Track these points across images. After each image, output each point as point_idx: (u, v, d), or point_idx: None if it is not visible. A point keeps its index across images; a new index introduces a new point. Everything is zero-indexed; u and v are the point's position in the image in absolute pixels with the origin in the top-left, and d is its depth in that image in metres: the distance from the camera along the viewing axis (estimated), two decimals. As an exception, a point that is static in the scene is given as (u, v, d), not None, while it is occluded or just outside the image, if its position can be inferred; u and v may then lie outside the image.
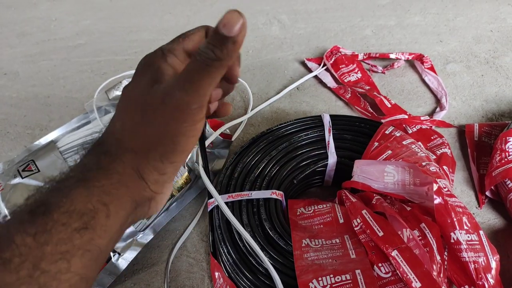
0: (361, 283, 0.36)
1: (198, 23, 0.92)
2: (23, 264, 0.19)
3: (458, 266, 0.40)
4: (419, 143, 0.51)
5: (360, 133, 0.53)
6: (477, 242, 0.40)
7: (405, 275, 0.36)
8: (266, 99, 0.71)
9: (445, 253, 0.41)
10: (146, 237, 0.50)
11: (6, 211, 0.49)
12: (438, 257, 0.39)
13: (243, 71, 0.78)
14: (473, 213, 0.53)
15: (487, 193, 0.53)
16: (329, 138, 0.52)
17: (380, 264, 0.38)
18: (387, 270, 0.38)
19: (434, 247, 0.39)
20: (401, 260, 0.37)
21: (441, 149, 0.57)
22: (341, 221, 0.43)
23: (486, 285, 0.39)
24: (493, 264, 0.40)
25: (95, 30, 0.93)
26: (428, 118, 0.63)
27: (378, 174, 0.45)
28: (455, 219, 0.40)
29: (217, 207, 0.46)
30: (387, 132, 0.51)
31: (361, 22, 0.89)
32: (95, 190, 0.22)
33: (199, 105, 0.24)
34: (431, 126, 0.62)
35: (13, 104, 0.74)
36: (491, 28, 0.85)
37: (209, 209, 0.47)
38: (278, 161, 0.50)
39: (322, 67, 0.75)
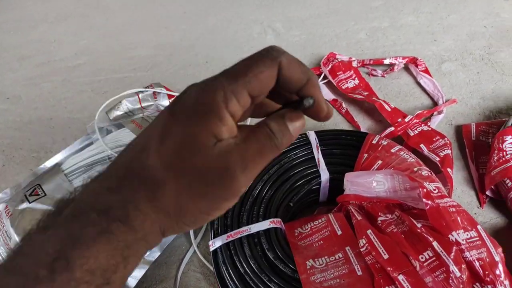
0: None
1: (194, 37, 0.93)
2: None
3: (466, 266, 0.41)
4: (414, 151, 0.52)
5: (348, 146, 0.54)
6: (477, 238, 0.40)
7: None
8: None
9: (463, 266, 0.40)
10: (153, 254, 0.51)
11: (16, 238, 0.50)
12: (458, 273, 0.38)
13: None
14: (475, 213, 0.53)
15: (488, 193, 0.54)
16: (319, 155, 0.52)
17: (387, 287, 0.38)
18: None
19: (450, 264, 0.38)
20: (407, 285, 0.38)
21: (444, 150, 0.57)
22: (339, 232, 0.44)
23: (495, 281, 0.39)
24: (497, 258, 0.40)
25: (94, 49, 0.94)
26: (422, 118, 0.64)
27: (368, 184, 0.46)
28: (449, 220, 0.40)
29: (220, 247, 0.46)
30: (374, 142, 0.52)
31: (355, 26, 0.90)
32: (119, 245, 0.21)
33: (248, 186, 0.23)
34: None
35: (17, 128, 0.75)
36: (485, 24, 0.85)
37: (211, 250, 0.47)
38: (272, 185, 0.50)
39: (322, 80, 0.75)
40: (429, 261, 0.39)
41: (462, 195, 0.55)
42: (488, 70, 0.74)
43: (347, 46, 0.85)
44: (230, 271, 0.44)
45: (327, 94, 0.73)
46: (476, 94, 0.69)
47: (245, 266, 0.44)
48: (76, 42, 0.98)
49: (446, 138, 0.58)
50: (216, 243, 0.46)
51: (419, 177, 0.46)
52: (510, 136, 0.52)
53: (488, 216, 0.53)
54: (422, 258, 0.40)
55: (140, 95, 0.67)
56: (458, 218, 0.41)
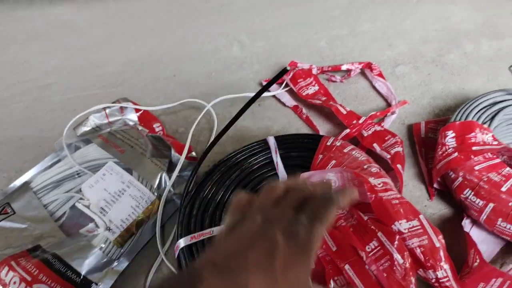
0: None
1: (162, 52, 0.96)
2: None
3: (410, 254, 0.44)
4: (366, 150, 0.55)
5: (305, 148, 0.57)
6: (419, 227, 0.43)
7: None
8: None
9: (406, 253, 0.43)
10: (121, 264, 0.53)
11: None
12: (401, 260, 0.42)
13: (207, 94, 0.82)
14: (425, 206, 0.57)
15: (435, 185, 0.58)
16: (277, 158, 0.56)
17: (336, 278, 0.42)
18: (342, 283, 0.41)
19: (394, 252, 0.42)
20: (352, 274, 0.41)
21: (394, 148, 0.61)
22: None
23: (436, 265, 0.42)
24: (438, 244, 0.43)
25: (64, 68, 0.96)
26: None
27: None
28: (392, 211, 0.43)
29: (182, 249, 0.48)
30: (328, 143, 0.55)
31: (316, 35, 0.94)
32: None
33: None
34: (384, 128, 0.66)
35: (-12, 150, 0.76)
36: (436, 28, 0.91)
37: (176, 254, 0.49)
38: (233, 190, 0.54)
39: (283, 87, 0.79)
40: (375, 250, 0.43)
41: (413, 189, 0.59)
42: (438, 71, 0.79)
43: (309, 54, 0.89)
44: None
45: (288, 101, 0.76)
46: (427, 94, 0.74)
47: None
48: (46, 62, 1.00)
49: (397, 137, 0.62)
50: (180, 245, 0.49)
51: (369, 174, 0.49)
52: (451, 131, 0.56)
53: (437, 208, 0.57)
54: (368, 248, 0.43)
55: (107, 111, 0.70)
56: (401, 209, 0.45)
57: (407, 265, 0.42)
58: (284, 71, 0.45)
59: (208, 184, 0.54)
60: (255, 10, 1.07)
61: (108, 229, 0.53)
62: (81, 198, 0.57)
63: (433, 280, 0.42)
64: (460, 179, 0.53)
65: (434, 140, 0.63)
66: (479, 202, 0.51)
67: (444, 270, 0.42)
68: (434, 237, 0.44)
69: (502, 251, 0.52)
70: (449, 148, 0.55)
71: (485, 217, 0.50)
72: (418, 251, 0.43)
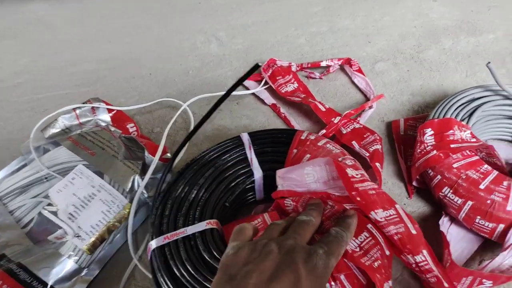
0: None
1: (137, 50, 0.93)
2: None
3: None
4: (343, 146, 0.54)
5: (279, 143, 0.55)
6: (395, 216, 0.43)
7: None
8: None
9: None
10: (91, 272, 0.50)
11: None
12: (387, 252, 0.42)
13: (184, 92, 0.80)
14: (404, 204, 0.56)
15: (414, 183, 0.57)
16: (251, 155, 0.54)
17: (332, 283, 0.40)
18: None
19: (383, 244, 0.41)
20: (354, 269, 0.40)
21: (373, 146, 0.60)
22: None
23: (413, 250, 0.41)
24: (414, 231, 0.42)
25: (34, 67, 0.92)
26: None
27: (300, 178, 0.48)
28: (369, 201, 0.42)
29: (154, 251, 0.46)
30: (302, 137, 0.54)
31: (295, 31, 0.93)
32: None
33: None
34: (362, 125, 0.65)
35: (-47, 153, 0.72)
36: (415, 24, 0.90)
37: (148, 256, 0.47)
38: (207, 188, 0.51)
39: (263, 85, 0.77)
40: (365, 242, 0.41)
41: (392, 187, 0.58)
42: (417, 68, 0.78)
43: (288, 51, 0.87)
44: (165, 276, 0.44)
45: (267, 99, 0.75)
46: (406, 90, 0.73)
47: (181, 269, 0.44)
48: (16, 61, 0.96)
49: (376, 134, 0.61)
50: (152, 246, 0.47)
51: (345, 166, 0.48)
52: (429, 129, 0.55)
53: (416, 206, 0.56)
54: (359, 241, 0.41)
55: (78, 111, 0.67)
56: (378, 199, 0.44)
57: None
58: (255, 68, 0.43)
59: (180, 184, 0.52)
60: (234, 6, 1.05)
61: (77, 236, 0.50)
62: (49, 204, 0.54)
63: (413, 265, 0.42)
64: (438, 177, 0.52)
65: (413, 137, 0.62)
66: (457, 200, 0.50)
67: (422, 255, 0.41)
68: (410, 225, 0.43)
69: (480, 248, 0.51)
70: (427, 146, 0.54)
71: (464, 215, 0.50)
72: (396, 237, 0.42)
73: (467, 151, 0.53)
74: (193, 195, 0.50)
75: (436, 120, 0.56)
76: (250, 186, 0.54)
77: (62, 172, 0.58)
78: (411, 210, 0.56)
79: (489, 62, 0.57)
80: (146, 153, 0.59)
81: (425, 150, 0.54)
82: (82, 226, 0.51)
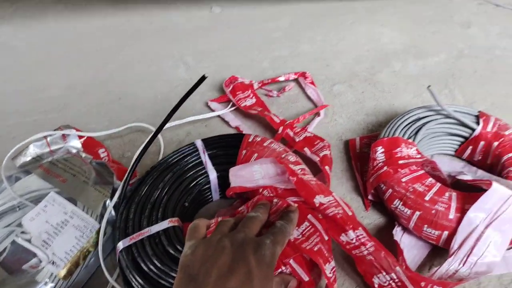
0: None
1: (106, 74, 0.95)
2: None
3: (332, 223, 0.49)
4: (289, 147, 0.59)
5: (230, 146, 0.62)
6: (334, 201, 0.49)
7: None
8: (177, 141, 0.76)
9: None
10: (66, 299, 0.52)
11: None
12: (326, 237, 0.47)
13: (154, 116, 0.82)
14: (362, 217, 0.62)
15: (370, 197, 0.62)
16: (205, 158, 0.61)
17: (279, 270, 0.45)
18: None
19: (321, 231, 0.47)
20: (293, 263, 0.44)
21: (323, 151, 0.67)
22: None
23: (354, 226, 0.48)
24: (350, 213, 0.49)
25: (1, 93, 0.92)
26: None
27: (249, 175, 0.55)
28: (312, 188, 0.49)
29: (122, 251, 0.50)
30: (250, 140, 0.61)
31: (259, 56, 0.99)
32: None
33: None
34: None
35: None
36: (368, 48, 0.98)
37: (117, 258, 0.51)
38: (167, 191, 0.57)
39: (230, 107, 0.82)
40: (306, 230, 0.47)
41: (351, 202, 0.64)
42: (371, 89, 0.85)
43: (252, 75, 0.92)
44: (133, 272, 0.48)
45: (232, 120, 0.79)
46: (361, 111, 0.80)
47: (148, 264, 0.48)
48: (-20, 87, 0.95)
49: (325, 141, 0.69)
50: (119, 247, 0.51)
51: (288, 162, 0.55)
52: (380, 147, 0.61)
53: (372, 218, 0.62)
54: (301, 229, 0.46)
55: (49, 139, 0.68)
56: (318, 188, 0.50)
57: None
58: (202, 79, 0.50)
59: (142, 189, 0.57)
60: (200, 32, 1.10)
61: (51, 262, 0.52)
62: (22, 232, 0.55)
63: (354, 240, 0.48)
64: (390, 190, 0.58)
65: (368, 154, 0.68)
66: (407, 211, 0.56)
67: (360, 229, 0.49)
68: (346, 208, 0.49)
69: (430, 254, 0.57)
70: (379, 163, 0.60)
71: (413, 225, 0.56)
72: (338, 216, 0.48)
73: (414, 166, 0.59)
74: (155, 198, 0.56)
75: (385, 139, 0.62)
76: (206, 186, 0.61)
77: (34, 200, 0.59)
78: (368, 222, 0.61)
79: (429, 86, 0.64)
80: (115, 178, 0.61)
81: (377, 166, 0.60)
82: (56, 252, 0.53)
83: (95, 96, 0.90)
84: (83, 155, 0.69)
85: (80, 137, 0.71)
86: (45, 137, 0.67)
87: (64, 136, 0.70)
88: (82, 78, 0.96)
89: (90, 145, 0.72)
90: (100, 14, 1.20)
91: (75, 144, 0.70)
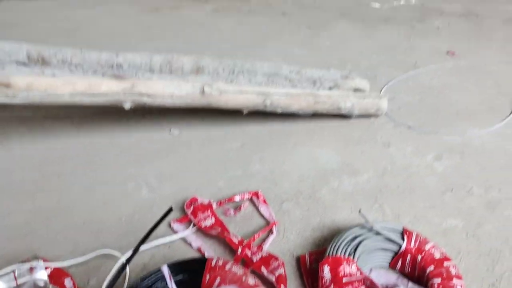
0: None
1: (70, 199, 1.02)
2: None
3: None
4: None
5: (194, 272, 0.69)
6: None
7: None
8: (142, 265, 0.81)
9: None
10: None
11: None
12: None
13: (119, 240, 0.87)
14: (316, 331, 0.69)
15: (321, 311, 0.71)
16: (172, 284, 0.67)
17: None
18: None
19: None
20: None
21: (278, 270, 0.76)
22: None
23: None
24: None
25: (-42, 221, 0.93)
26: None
27: None
28: None
29: None
30: (212, 264, 0.69)
31: (215, 176, 1.10)
32: None
33: None
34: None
35: None
36: (309, 167, 1.15)
37: None
38: None
39: (191, 228, 0.90)
40: None
41: (305, 317, 0.71)
42: (315, 206, 0.99)
43: (210, 194, 1.03)
44: None
45: (194, 242, 0.87)
46: (308, 227, 0.92)
47: None
48: None
49: (279, 260, 0.78)
50: None
51: (247, 286, 0.64)
52: (326, 265, 0.72)
53: (325, 332, 0.69)
54: None
55: (16, 272, 0.70)
56: None
57: None
58: (169, 211, 0.59)
59: None
60: (161, 153, 1.21)
61: None
62: None
63: None
64: (338, 306, 0.67)
65: (317, 270, 0.78)
66: (353, 324, 0.64)
67: None
68: None
69: None
70: (326, 281, 0.70)
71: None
72: None
73: (356, 283, 0.69)
74: None
75: (330, 258, 0.73)
76: None
77: None
78: (322, 336, 0.68)
79: (360, 210, 0.78)
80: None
81: (325, 285, 0.70)
82: None
83: (59, 221, 0.93)
84: (50, 286, 0.71)
85: (47, 267, 0.74)
86: (14, 271, 0.70)
87: (31, 268, 0.72)
88: (45, 203, 1.00)
89: (56, 275, 0.75)
90: (63, 136, 1.28)
91: (42, 276, 0.73)
